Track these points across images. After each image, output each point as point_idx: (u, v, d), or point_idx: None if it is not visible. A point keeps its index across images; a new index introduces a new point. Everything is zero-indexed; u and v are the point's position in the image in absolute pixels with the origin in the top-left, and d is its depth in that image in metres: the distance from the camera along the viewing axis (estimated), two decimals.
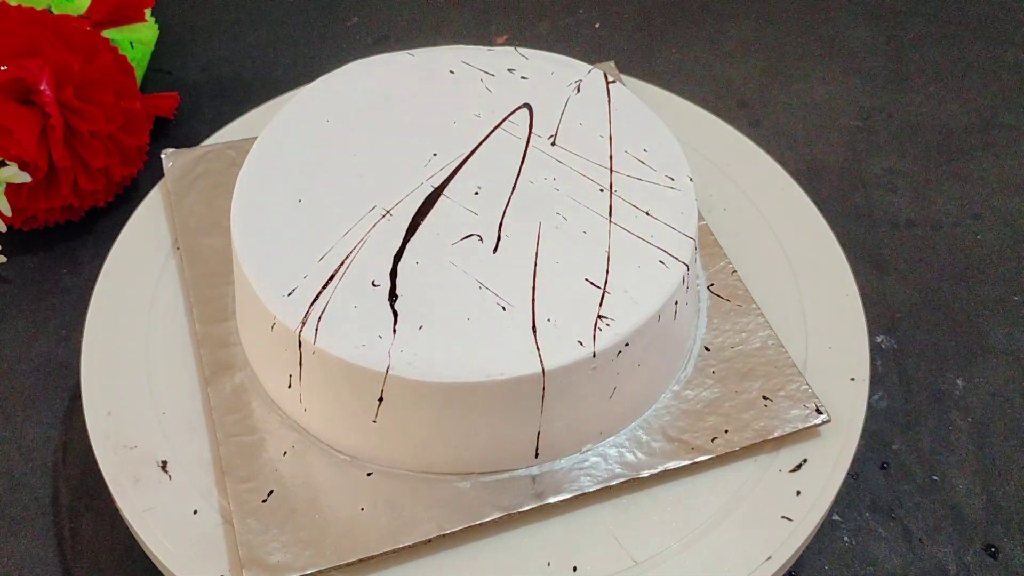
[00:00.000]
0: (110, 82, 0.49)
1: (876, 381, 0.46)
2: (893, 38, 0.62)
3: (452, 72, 0.43)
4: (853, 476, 0.43)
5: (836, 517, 0.42)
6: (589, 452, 0.37)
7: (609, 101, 0.43)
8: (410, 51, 0.45)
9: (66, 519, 0.42)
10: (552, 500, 0.36)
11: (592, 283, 0.36)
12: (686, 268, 0.37)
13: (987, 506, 0.43)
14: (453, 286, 0.36)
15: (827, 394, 0.40)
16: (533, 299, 0.36)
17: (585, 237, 0.38)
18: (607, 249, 0.37)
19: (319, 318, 0.35)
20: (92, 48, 0.49)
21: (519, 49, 0.45)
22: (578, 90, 0.43)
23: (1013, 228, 0.53)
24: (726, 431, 0.37)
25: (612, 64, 0.50)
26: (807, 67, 0.61)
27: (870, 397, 0.40)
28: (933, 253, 0.52)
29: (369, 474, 0.36)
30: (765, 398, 0.38)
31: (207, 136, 0.48)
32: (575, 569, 0.35)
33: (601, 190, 0.39)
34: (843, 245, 0.44)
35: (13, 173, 0.46)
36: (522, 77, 0.43)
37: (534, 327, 0.35)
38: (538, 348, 0.34)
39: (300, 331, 0.35)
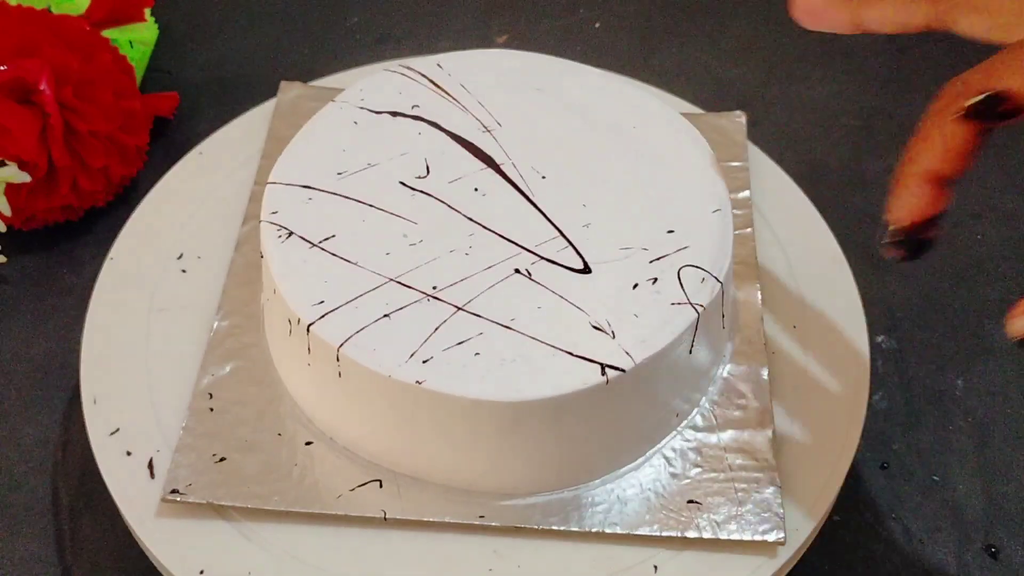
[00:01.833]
0: (110, 82, 0.49)
1: (876, 381, 0.46)
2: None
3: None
4: (853, 477, 0.43)
5: (836, 517, 0.42)
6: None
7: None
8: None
9: (65, 519, 0.42)
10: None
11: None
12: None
13: (987, 506, 0.43)
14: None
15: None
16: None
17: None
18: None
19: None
20: (92, 48, 0.49)
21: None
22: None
23: (1014, 228, 0.53)
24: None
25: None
26: (807, 67, 0.61)
27: (870, 397, 0.40)
28: (933, 253, 0.52)
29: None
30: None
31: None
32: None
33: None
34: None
35: (12, 173, 0.46)
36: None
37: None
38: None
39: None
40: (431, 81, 0.42)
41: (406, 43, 0.61)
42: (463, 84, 0.42)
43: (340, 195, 0.38)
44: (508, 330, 0.34)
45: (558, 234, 0.37)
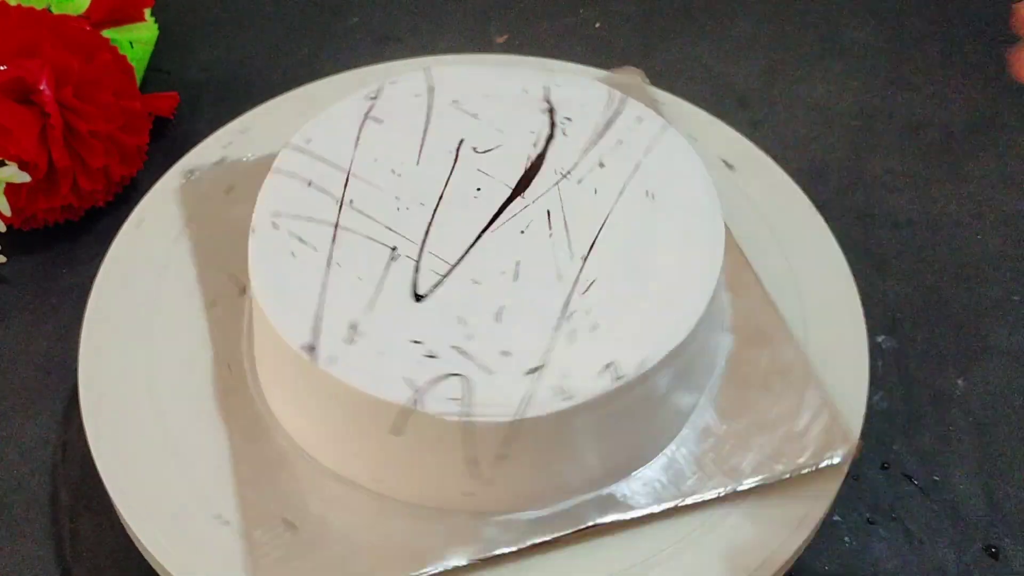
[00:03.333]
0: (110, 82, 0.49)
1: (877, 381, 0.46)
2: (894, 37, 0.62)
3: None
4: (854, 477, 0.43)
5: (836, 518, 0.42)
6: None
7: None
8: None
9: (65, 519, 0.42)
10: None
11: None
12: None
13: (988, 506, 0.43)
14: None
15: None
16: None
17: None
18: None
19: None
20: (92, 48, 0.49)
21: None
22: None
23: (1014, 228, 0.53)
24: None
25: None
26: (808, 67, 0.61)
27: (870, 397, 0.40)
28: (934, 253, 0.52)
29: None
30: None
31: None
32: None
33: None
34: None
35: (12, 173, 0.46)
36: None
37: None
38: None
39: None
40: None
41: (406, 43, 0.61)
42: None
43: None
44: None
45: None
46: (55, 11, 0.52)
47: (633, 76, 0.49)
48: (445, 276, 0.36)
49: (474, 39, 0.62)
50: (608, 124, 0.41)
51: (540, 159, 0.40)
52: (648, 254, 0.37)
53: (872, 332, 0.43)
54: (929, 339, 0.48)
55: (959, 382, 0.46)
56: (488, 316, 0.35)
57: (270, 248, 0.37)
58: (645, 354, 0.34)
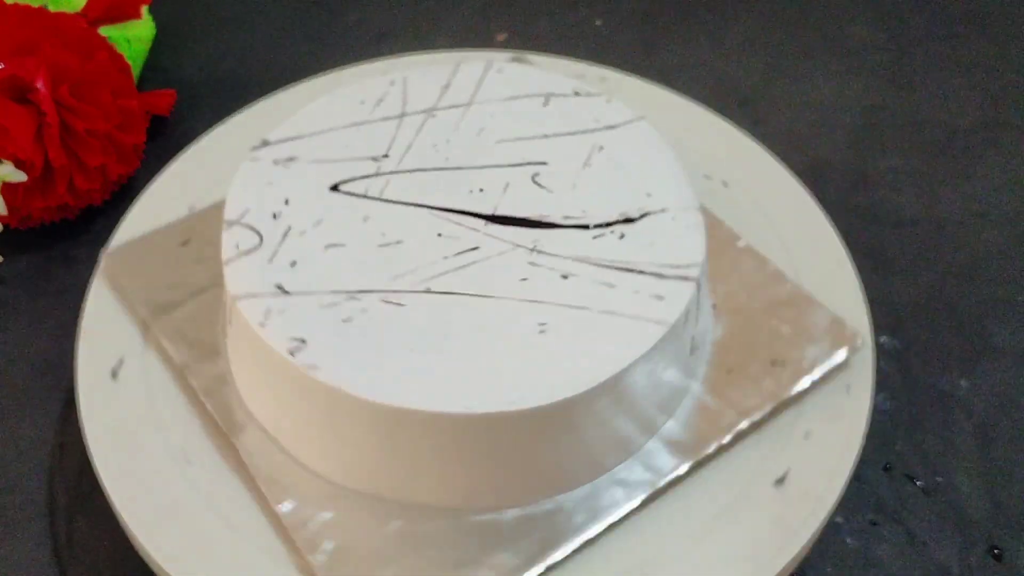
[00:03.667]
0: (107, 80, 0.48)
1: (879, 382, 0.46)
2: (897, 36, 0.62)
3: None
4: (856, 478, 0.43)
5: (839, 519, 0.42)
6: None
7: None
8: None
9: (62, 521, 0.41)
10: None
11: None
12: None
13: (991, 508, 0.42)
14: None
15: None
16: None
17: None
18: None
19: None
20: (89, 46, 0.49)
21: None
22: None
23: (1018, 227, 0.53)
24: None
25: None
26: (810, 65, 0.60)
27: (873, 398, 0.40)
28: (937, 252, 0.51)
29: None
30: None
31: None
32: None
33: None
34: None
35: (9, 172, 0.45)
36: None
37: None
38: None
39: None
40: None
41: (405, 41, 0.61)
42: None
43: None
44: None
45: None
46: (51, 9, 0.52)
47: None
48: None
49: (474, 37, 0.62)
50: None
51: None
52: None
53: (876, 332, 0.43)
54: (932, 339, 0.48)
55: (962, 383, 0.46)
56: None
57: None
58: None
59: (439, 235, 0.38)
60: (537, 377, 0.33)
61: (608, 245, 0.37)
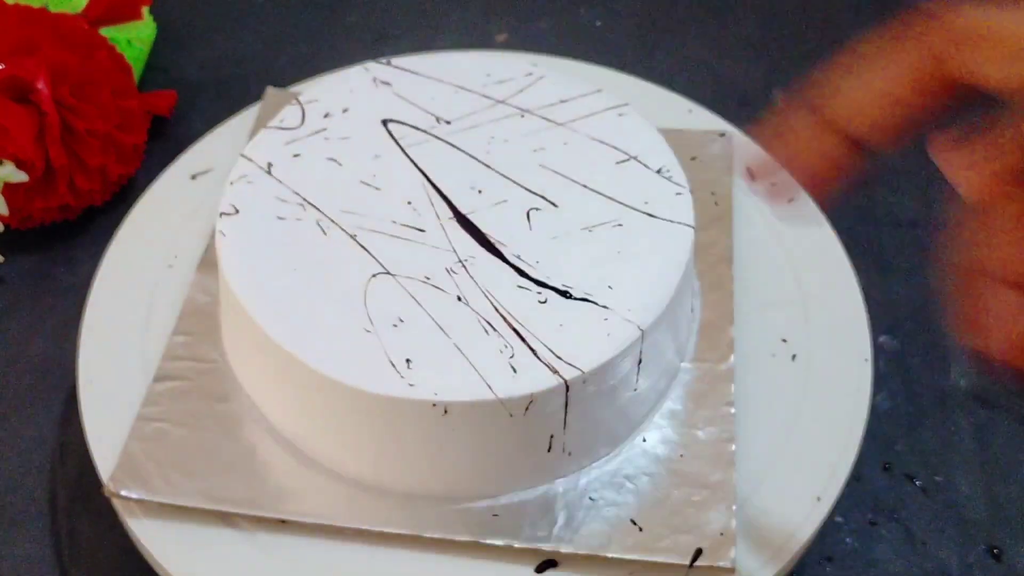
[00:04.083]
0: (107, 80, 0.48)
1: (879, 381, 0.45)
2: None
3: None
4: (855, 477, 0.43)
5: (838, 519, 0.42)
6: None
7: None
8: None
9: (63, 520, 0.41)
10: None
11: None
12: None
13: (990, 507, 0.42)
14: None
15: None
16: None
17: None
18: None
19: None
20: (89, 46, 0.49)
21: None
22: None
23: None
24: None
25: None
26: (809, 65, 0.60)
27: (872, 397, 0.40)
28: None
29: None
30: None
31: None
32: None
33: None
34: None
35: (10, 172, 0.45)
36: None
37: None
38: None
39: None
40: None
41: (404, 41, 0.61)
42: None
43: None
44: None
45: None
46: (52, 9, 0.52)
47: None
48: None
49: (473, 37, 0.62)
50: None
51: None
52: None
53: (875, 332, 0.43)
54: (932, 339, 0.48)
55: (961, 382, 0.46)
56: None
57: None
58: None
59: (408, 203, 0.38)
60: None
61: (525, 304, 0.35)
